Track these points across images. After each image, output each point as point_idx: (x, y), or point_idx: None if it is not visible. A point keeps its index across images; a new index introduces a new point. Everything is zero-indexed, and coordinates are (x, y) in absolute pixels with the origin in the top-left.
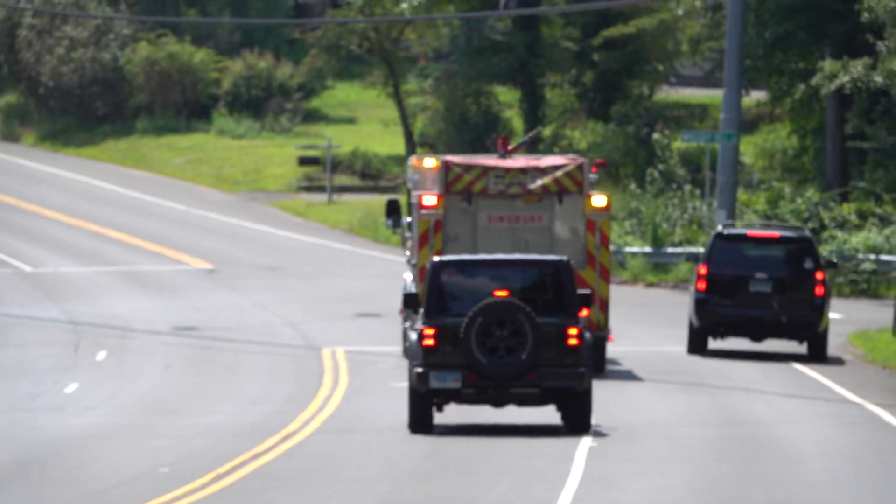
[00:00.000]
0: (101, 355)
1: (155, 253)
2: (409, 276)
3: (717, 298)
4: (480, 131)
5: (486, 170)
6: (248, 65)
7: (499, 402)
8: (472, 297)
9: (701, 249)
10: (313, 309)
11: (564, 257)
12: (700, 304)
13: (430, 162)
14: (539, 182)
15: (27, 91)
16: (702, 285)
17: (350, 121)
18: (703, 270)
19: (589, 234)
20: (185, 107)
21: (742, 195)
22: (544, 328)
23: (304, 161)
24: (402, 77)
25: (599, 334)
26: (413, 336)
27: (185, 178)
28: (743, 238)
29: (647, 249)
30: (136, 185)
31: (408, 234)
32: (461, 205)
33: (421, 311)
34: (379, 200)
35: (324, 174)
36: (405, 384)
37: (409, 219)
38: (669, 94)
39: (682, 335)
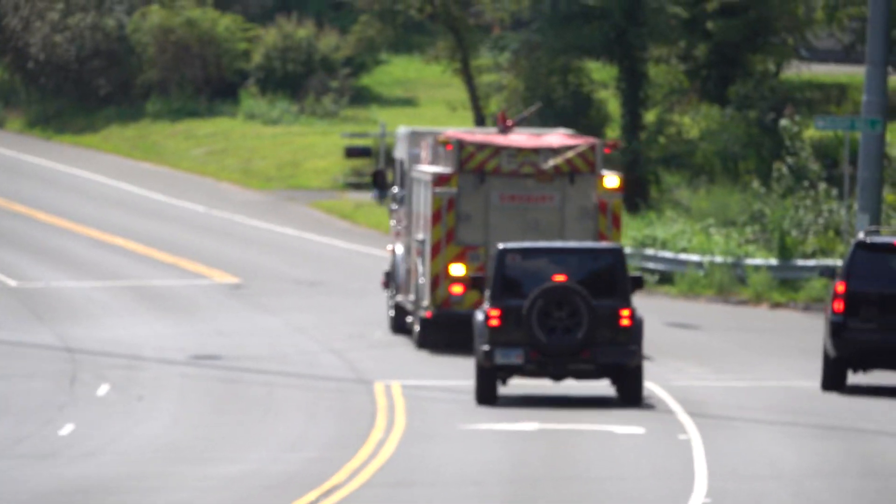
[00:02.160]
0: (103, 390)
1: (168, 264)
2: (399, 249)
3: (859, 322)
4: (569, 115)
5: (499, 149)
6: (283, 34)
7: (558, 377)
8: (533, 282)
9: (839, 262)
10: (362, 333)
11: (618, 245)
12: (837, 329)
13: (443, 139)
14: (551, 162)
15: (13, 66)
16: (839, 306)
17: (408, 102)
18: (841, 288)
19: (601, 215)
20: (207, 85)
21: (889, 195)
22: (599, 310)
23: (351, 152)
24: (473, 50)
25: None
26: (480, 317)
27: (205, 173)
28: (890, 248)
29: (773, 262)
30: (145, 180)
31: (394, 206)
32: (474, 183)
33: (487, 292)
34: None
35: (376, 168)
36: (476, 426)
37: (396, 190)
38: (800, 71)
39: (816, 367)
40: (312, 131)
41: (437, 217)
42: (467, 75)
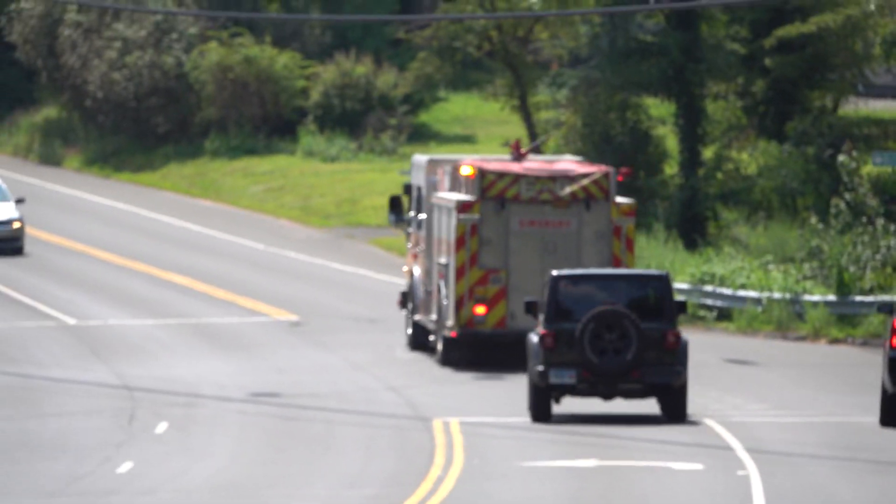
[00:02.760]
0: (162, 427)
1: (227, 302)
2: (416, 271)
3: None
4: (627, 152)
5: (518, 177)
6: (341, 71)
7: (607, 396)
8: (585, 306)
9: None
10: (422, 371)
11: (665, 272)
12: (895, 365)
13: (466, 170)
14: (568, 189)
15: (71, 104)
16: None
17: (467, 139)
18: None
19: (615, 239)
20: (265, 123)
21: None
22: (647, 332)
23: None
24: (531, 86)
25: None
26: (535, 339)
27: (264, 211)
28: None
29: (831, 298)
30: (204, 218)
31: (410, 230)
32: (495, 209)
33: (540, 316)
34: None
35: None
36: (534, 463)
37: (413, 214)
38: (858, 107)
39: (874, 403)
40: (371, 168)
41: (460, 242)
42: (525, 112)
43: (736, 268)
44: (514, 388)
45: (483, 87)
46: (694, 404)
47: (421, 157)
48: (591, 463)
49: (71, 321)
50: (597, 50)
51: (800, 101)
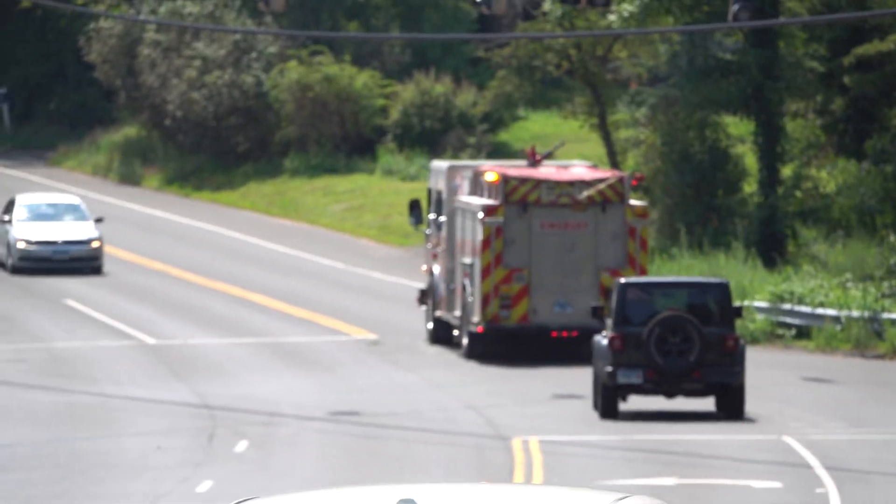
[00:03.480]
0: (242, 446)
1: (306, 321)
2: (436, 269)
3: None
4: (706, 170)
5: (539, 182)
6: (421, 90)
7: (670, 394)
8: (651, 311)
9: None
10: (500, 390)
11: (725, 280)
12: None
13: (491, 176)
14: (585, 193)
15: (150, 123)
16: None
17: (546, 158)
18: None
19: (630, 240)
20: (344, 142)
21: None
22: (708, 336)
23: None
24: (610, 105)
25: None
26: (604, 342)
27: (343, 230)
28: None
29: None
30: (283, 237)
31: (428, 231)
32: (518, 212)
33: (608, 320)
34: None
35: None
36: (614, 482)
37: (432, 217)
38: None
39: None
40: None
41: (486, 243)
42: (604, 130)
43: (815, 286)
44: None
45: (562, 105)
46: (773, 422)
47: (441, 163)
48: (670, 481)
49: (150, 340)
50: (676, 68)
51: (878, 119)
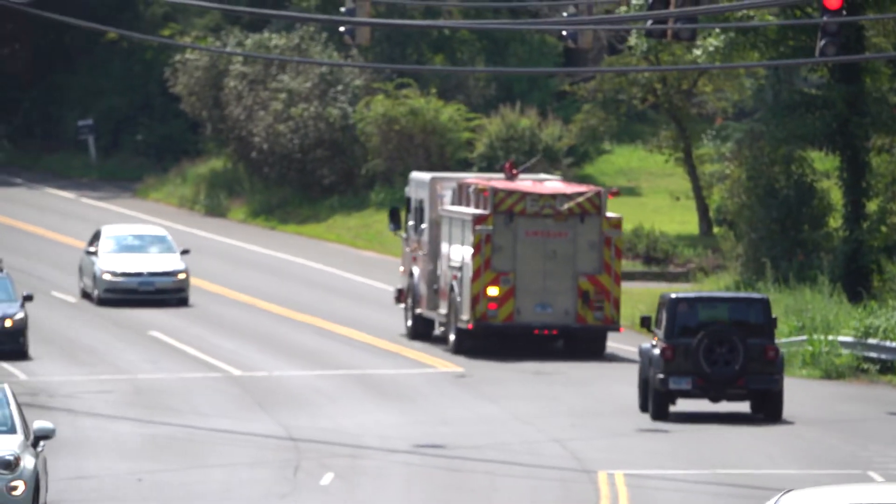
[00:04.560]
0: (327, 479)
1: (391, 353)
2: (416, 271)
3: None
4: (791, 205)
5: (524, 195)
6: (506, 123)
7: (716, 399)
8: (699, 324)
9: None
10: (586, 423)
11: (764, 296)
12: None
13: (481, 188)
14: (566, 205)
15: (236, 155)
16: None
17: (632, 192)
18: None
19: (605, 248)
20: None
21: None
22: (751, 346)
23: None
24: (695, 139)
25: (612, 326)
26: (655, 351)
27: None
28: None
29: None
30: (368, 270)
31: (404, 235)
32: (505, 221)
33: (656, 330)
34: (668, 288)
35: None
36: None
37: (411, 224)
38: None
39: None
40: None
41: (476, 249)
42: (690, 165)
43: None
44: (682, 441)
45: (647, 139)
46: (857, 457)
47: (423, 175)
48: None
49: (236, 372)
50: (761, 103)
51: None
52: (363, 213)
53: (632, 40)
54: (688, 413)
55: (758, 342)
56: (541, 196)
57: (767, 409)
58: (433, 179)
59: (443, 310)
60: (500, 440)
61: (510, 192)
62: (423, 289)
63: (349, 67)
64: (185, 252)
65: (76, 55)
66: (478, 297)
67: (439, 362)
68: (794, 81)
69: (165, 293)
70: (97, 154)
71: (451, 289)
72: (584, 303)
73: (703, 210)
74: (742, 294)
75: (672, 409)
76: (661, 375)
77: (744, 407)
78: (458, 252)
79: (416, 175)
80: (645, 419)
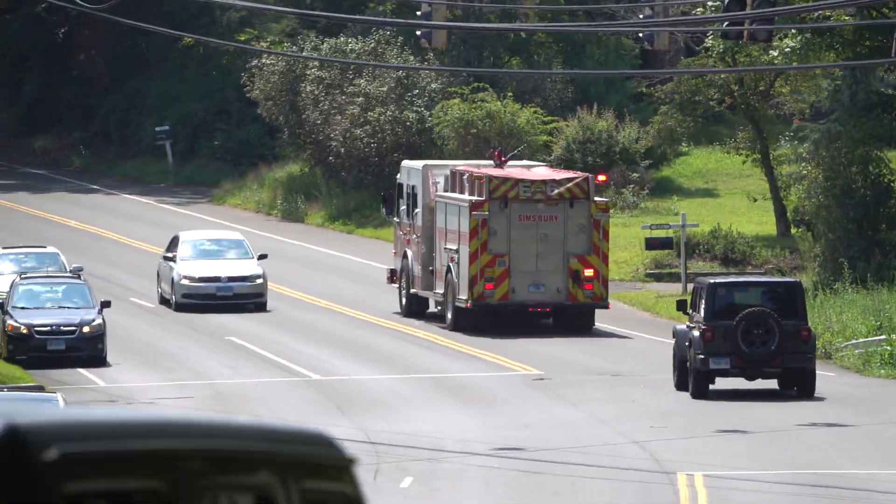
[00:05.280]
0: (406, 482)
1: (469, 356)
2: (409, 253)
3: None
4: (869, 205)
5: (517, 181)
6: (583, 126)
7: (752, 378)
8: (737, 307)
9: None
10: (665, 425)
11: (797, 280)
12: None
13: (478, 175)
14: (556, 190)
15: (313, 159)
16: None
17: (709, 193)
18: None
19: (594, 230)
20: None
21: None
22: (786, 328)
23: (652, 243)
24: (772, 140)
25: (601, 304)
26: (696, 333)
27: None
28: None
29: None
30: None
31: (396, 220)
32: (499, 207)
33: (692, 313)
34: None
35: (677, 259)
36: None
37: (404, 209)
38: None
39: None
40: (613, 223)
41: (473, 233)
42: (767, 166)
43: None
44: (761, 441)
45: (724, 140)
46: None
47: (415, 163)
48: None
49: (314, 376)
50: (838, 103)
51: None
52: None
53: (708, 42)
54: (726, 391)
55: (792, 323)
56: (532, 182)
57: (801, 387)
58: (426, 167)
59: (439, 290)
60: (580, 442)
61: (504, 180)
62: (417, 270)
63: (426, 71)
64: (262, 257)
65: (153, 61)
66: (475, 279)
67: (517, 365)
68: (871, 81)
69: (243, 298)
70: (174, 160)
71: (448, 270)
72: (575, 282)
73: (780, 211)
74: (776, 279)
75: (711, 387)
76: (701, 356)
77: (771, 384)
78: (455, 236)
79: (408, 163)
80: (724, 419)
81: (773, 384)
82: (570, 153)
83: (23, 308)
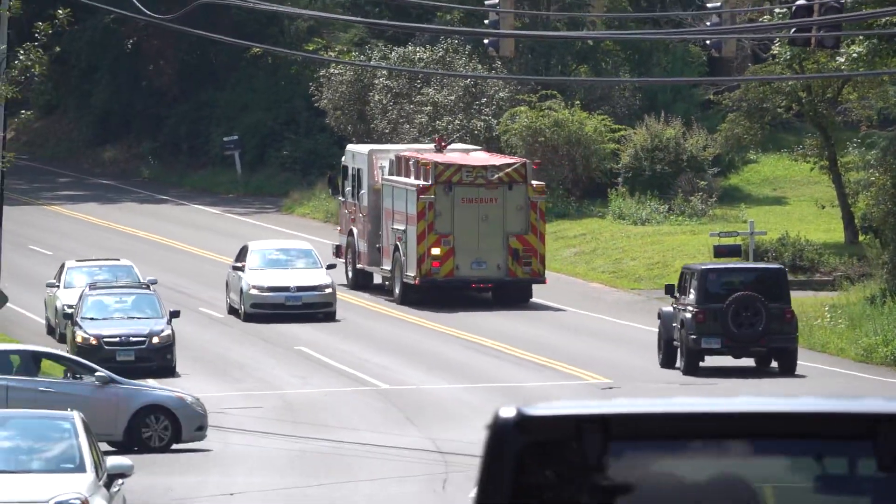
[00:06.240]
0: (475, 492)
1: (539, 365)
2: (355, 231)
3: None
4: None
5: (461, 167)
6: (651, 133)
7: (738, 356)
8: (726, 291)
9: None
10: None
11: (781, 266)
12: None
13: (424, 162)
14: (496, 175)
15: None
16: None
17: (777, 201)
18: None
19: (531, 211)
20: (575, 186)
21: None
22: (772, 310)
23: (720, 251)
24: (840, 147)
25: (538, 279)
26: (688, 315)
27: (574, 274)
28: None
29: None
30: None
31: (342, 199)
32: (444, 190)
33: (680, 296)
34: (814, 299)
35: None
36: None
37: (349, 189)
38: None
39: None
40: (681, 231)
41: (421, 214)
42: (835, 173)
43: None
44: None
45: (792, 148)
46: None
47: (360, 147)
48: None
49: (383, 386)
50: None
51: None
52: None
53: (775, 49)
54: (714, 368)
55: (776, 305)
56: (474, 168)
57: (782, 363)
58: (371, 151)
59: (386, 266)
60: None
61: (448, 165)
62: (363, 247)
63: (493, 80)
64: (331, 266)
65: (221, 71)
66: (423, 257)
67: (586, 374)
68: None
69: (312, 308)
70: (243, 169)
71: (396, 249)
72: (514, 259)
73: (848, 218)
74: (763, 264)
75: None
76: (693, 336)
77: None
78: (402, 217)
79: (353, 147)
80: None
81: (750, 361)
82: (637, 161)
83: (92, 319)
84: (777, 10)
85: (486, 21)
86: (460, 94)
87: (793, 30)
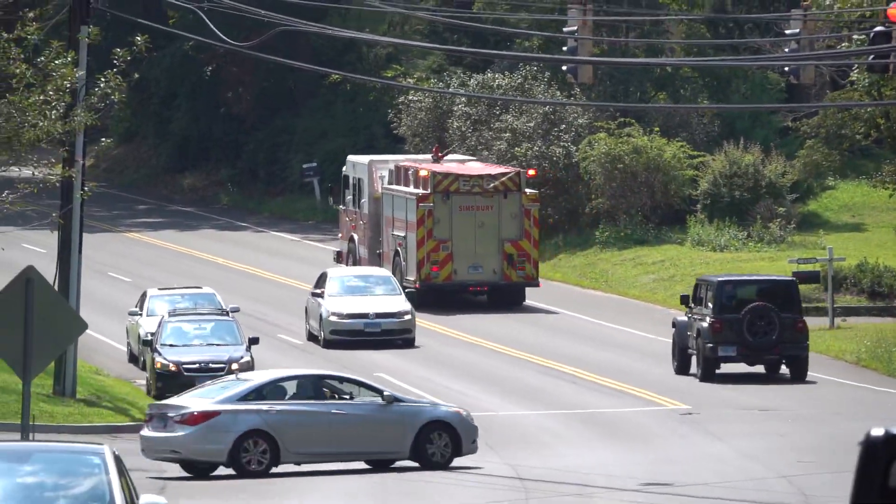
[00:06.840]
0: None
1: (616, 391)
2: (355, 237)
3: None
4: None
5: (458, 176)
6: (730, 160)
7: (753, 363)
8: (741, 302)
9: None
10: (813, 459)
11: (793, 279)
12: None
13: (423, 172)
14: (492, 184)
15: None
16: None
17: (856, 227)
18: None
19: (525, 218)
20: (654, 212)
21: None
22: (785, 320)
23: (799, 277)
24: None
25: (532, 283)
26: (705, 324)
27: (653, 300)
28: None
29: None
30: (593, 308)
31: (342, 208)
32: (443, 199)
33: (694, 306)
34: (893, 325)
35: (824, 293)
36: None
37: (349, 198)
38: None
39: None
40: (760, 257)
41: (420, 221)
42: None
43: None
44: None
45: (871, 174)
46: None
47: (361, 158)
48: None
49: (462, 412)
50: None
51: None
52: (588, 251)
53: (854, 75)
54: (729, 374)
55: (789, 315)
56: (471, 177)
57: (794, 371)
58: (371, 162)
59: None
60: (727, 478)
61: (446, 175)
62: (363, 252)
63: (572, 106)
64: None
65: (300, 98)
66: (423, 262)
67: (665, 400)
68: None
69: (391, 334)
70: (322, 197)
71: (397, 254)
72: (509, 264)
73: None
74: (776, 276)
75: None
76: (710, 344)
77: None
78: (402, 224)
79: (353, 158)
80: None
81: (760, 368)
82: (716, 188)
83: (171, 346)
84: (855, 37)
85: (564, 48)
86: (539, 120)
87: (871, 56)
